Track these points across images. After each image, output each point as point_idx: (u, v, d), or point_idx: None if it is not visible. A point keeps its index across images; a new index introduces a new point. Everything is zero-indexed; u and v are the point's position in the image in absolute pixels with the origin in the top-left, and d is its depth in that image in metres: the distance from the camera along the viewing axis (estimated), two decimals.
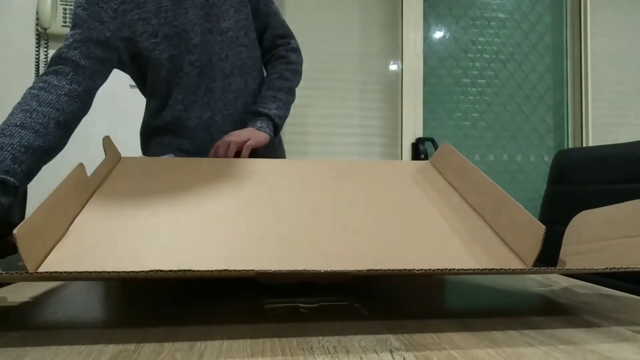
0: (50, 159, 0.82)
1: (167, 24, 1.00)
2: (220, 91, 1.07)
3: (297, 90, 1.16)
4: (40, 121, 0.79)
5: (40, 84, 0.86)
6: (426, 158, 2.18)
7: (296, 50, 1.19)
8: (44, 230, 0.45)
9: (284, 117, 1.10)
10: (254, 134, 1.01)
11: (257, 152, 1.03)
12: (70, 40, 0.92)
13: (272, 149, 1.16)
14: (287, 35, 1.19)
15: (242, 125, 1.08)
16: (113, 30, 0.95)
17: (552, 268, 0.44)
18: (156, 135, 1.10)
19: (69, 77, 0.89)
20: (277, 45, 1.17)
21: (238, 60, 1.07)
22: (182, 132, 1.07)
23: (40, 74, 1.79)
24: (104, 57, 0.95)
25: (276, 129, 1.08)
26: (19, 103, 0.81)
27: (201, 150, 1.07)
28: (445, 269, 0.41)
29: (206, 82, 1.06)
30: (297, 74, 1.18)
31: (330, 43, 2.19)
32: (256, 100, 1.10)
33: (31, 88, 0.85)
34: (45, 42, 1.84)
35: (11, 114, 0.79)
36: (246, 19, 1.08)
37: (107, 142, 0.68)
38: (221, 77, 1.06)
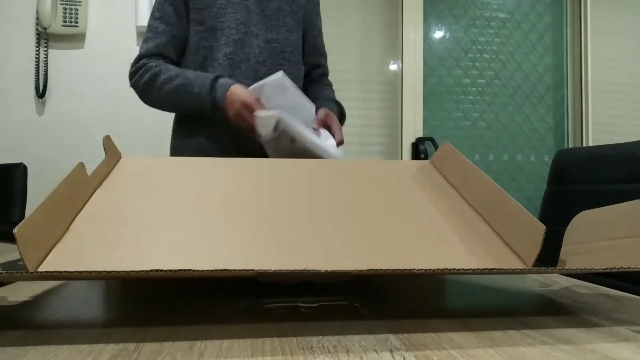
0: None
1: (215, 18, 1.08)
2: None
3: None
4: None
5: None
6: (426, 158, 2.18)
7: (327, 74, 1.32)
8: (44, 229, 0.45)
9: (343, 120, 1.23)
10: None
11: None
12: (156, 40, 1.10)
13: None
14: (328, 75, 1.32)
15: None
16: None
17: (552, 268, 0.44)
18: (186, 121, 1.15)
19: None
20: (317, 66, 1.27)
21: (277, 70, 1.10)
22: (201, 119, 1.10)
23: (40, 73, 1.79)
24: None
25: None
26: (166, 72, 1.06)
27: (222, 142, 1.10)
28: (446, 269, 0.41)
29: (238, 76, 1.08)
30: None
31: (331, 43, 2.19)
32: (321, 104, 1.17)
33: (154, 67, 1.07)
34: (45, 41, 1.84)
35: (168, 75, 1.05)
36: (296, 41, 1.16)
37: (107, 142, 0.68)
38: (254, 78, 1.08)
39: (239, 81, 1.06)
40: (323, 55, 1.28)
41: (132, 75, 1.09)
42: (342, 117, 1.19)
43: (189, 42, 1.10)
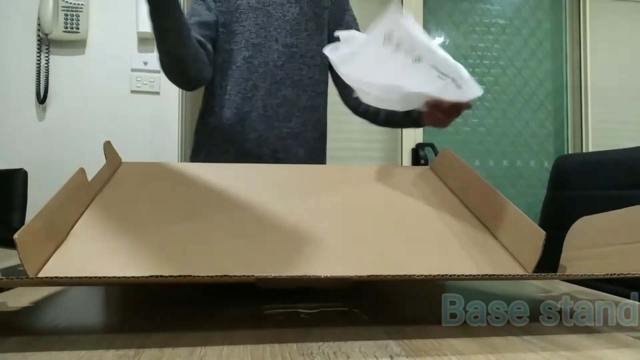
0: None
1: (237, 22, 1.10)
2: (264, 92, 1.10)
3: None
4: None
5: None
6: (426, 163, 2.18)
7: None
8: (44, 235, 0.45)
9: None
10: None
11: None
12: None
13: (318, 156, 1.20)
14: None
15: (277, 130, 1.11)
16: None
17: (553, 274, 0.44)
18: (202, 121, 1.16)
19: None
20: None
21: (295, 74, 1.10)
22: (217, 120, 1.11)
23: (41, 79, 1.80)
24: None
25: None
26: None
27: (233, 144, 1.10)
28: (446, 275, 0.41)
29: (255, 80, 1.09)
30: None
31: None
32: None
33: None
34: (47, 47, 1.84)
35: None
36: (318, 45, 1.13)
37: (108, 147, 0.68)
38: (271, 82, 1.09)
39: (256, 85, 1.09)
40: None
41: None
42: None
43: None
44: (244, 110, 1.10)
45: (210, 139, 1.13)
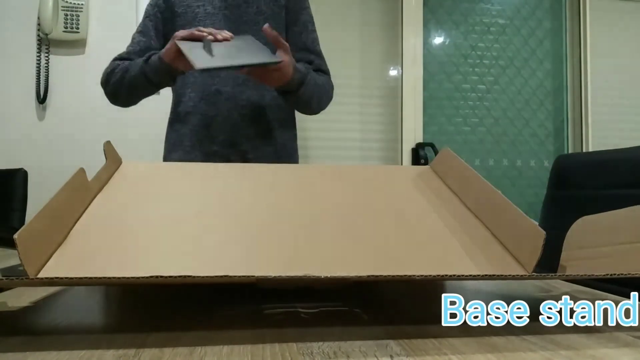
0: None
1: (185, 21, 1.13)
2: (228, 96, 1.10)
3: None
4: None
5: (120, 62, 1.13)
6: (426, 163, 2.18)
7: (327, 74, 1.21)
8: (44, 235, 0.45)
9: (309, 91, 1.09)
10: (285, 69, 0.99)
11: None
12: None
13: (289, 154, 1.19)
14: (329, 74, 1.21)
15: (244, 131, 1.11)
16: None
17: (553, 274, 0.44)
18: (170, 128, 1.20)
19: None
20: (307, 63, 1.18)
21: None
22: (184, 127, 1.13)
23: (41, 79, 1.80)
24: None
25: (299, 86, 1.06)
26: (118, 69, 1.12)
27: (201, 148, 1.12)
28: (446, 275, 0.41)
29: (217, 84, 1.11)
30: (329, 87, 1.18)
31: (330, 48, 2.20)
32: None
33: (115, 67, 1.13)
34: (47, 47, 1.85)
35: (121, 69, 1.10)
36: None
37: (108, 147, 0.68)
38: (233, 84, 1.10)
39: (218, 90, 1.10)
40: (313, 52, 1.20)
41: (102, 77, 1.16)
42: (306, 78, 1.07)
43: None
44: (209, 115, 1.11)
45: (178, 145, 1.15)
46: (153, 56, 1.02)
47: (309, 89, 1.08)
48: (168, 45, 0.97)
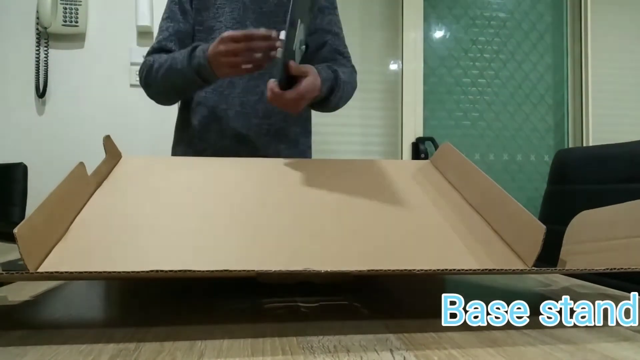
0: None
1: (214, 19, 1.09)
2: (241, 89, 1.08)
3: None
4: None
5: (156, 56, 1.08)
6: (426, 157, 2.18)
7: (345, 56, 1.17)
8: (44, 229, 0.45)
9: (337, 96, 1.06)
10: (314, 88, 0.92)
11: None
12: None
13: (302, 151, 1.17)
14: (347, 56, 1.17)
15: (256, 127, 1.09)
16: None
17: (553, 268, 0.44)
18: (181, 117, 1.18)
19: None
20: (335, 59, 1.15)
21: (272, 66, 1.08)
22: (195, 118, 1.10)
23: (40, 73, 1.79)
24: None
25: (329, 94, 1.03)
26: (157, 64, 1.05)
27: (210, 141, 1.09)
28: (446, 269, 0.41)
29: (231, 77, 1.07)
30: (352, 79, 1.14)
31: None
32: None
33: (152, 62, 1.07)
34: (46, 41, 1.84)
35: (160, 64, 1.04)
36: None
37: (108, 142, 0.68)
38: (247, 78, 1.08)
39: (232, 82, 1.07)
40: (330, 32, 1.15)
41: (139, 76, 1.10)
42: (336, 82, 1.04)
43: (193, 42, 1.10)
44: (220, 107, 1.08)
45: (187, 137, 1.13)
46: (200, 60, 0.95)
47: (337, 94, 1.06)
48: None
